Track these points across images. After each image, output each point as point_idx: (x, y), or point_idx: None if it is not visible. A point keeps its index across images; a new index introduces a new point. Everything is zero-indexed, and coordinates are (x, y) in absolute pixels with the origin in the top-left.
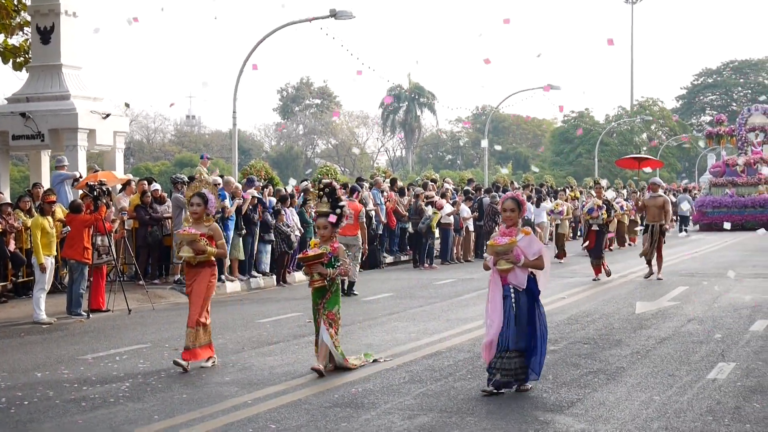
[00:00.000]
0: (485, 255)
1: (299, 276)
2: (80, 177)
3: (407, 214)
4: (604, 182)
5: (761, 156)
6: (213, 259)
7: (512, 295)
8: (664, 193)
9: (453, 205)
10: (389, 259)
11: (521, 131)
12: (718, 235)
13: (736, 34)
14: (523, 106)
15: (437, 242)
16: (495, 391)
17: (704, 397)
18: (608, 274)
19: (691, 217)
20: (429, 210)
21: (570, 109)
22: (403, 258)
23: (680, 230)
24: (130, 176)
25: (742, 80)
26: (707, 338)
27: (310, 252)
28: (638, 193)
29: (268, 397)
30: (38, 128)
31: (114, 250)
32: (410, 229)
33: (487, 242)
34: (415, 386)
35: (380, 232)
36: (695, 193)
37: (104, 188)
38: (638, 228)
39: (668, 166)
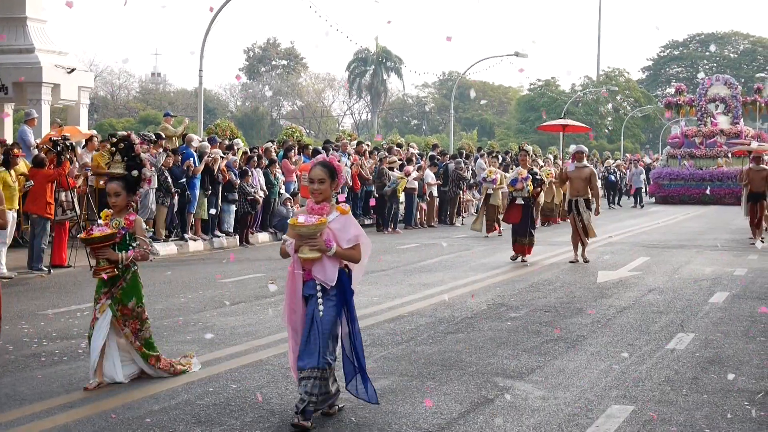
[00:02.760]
0: (284, 237)
1: (262, 237)
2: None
3: (371, 177)
4: (529, 148)
5: (720, 128)
6: None
7: (318, 293)
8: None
9: (418, 170)
10: None
11: (487, 98)
12: (679, 207)
13: (702, 7)
14: (490, 73)
15: (401, 207)
16: (304, 424)
17: (663, 367)
18: (524, 259)
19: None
20: (396, 174)
21: (536, 78)
22: (366, 222)
23: (635, 204)
24: (94, 132)
25: (707, 53)
26: (667, 308)
27: (96, 231)
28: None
29: (228, 357)
30: (2, 81)
31: (77, 206)
32: (375, 193)
33: (288, 220)
34: (377, 350)
35: (344, 195)
36: (653, 165)
37: (68, 143)
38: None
39: (632, 137)
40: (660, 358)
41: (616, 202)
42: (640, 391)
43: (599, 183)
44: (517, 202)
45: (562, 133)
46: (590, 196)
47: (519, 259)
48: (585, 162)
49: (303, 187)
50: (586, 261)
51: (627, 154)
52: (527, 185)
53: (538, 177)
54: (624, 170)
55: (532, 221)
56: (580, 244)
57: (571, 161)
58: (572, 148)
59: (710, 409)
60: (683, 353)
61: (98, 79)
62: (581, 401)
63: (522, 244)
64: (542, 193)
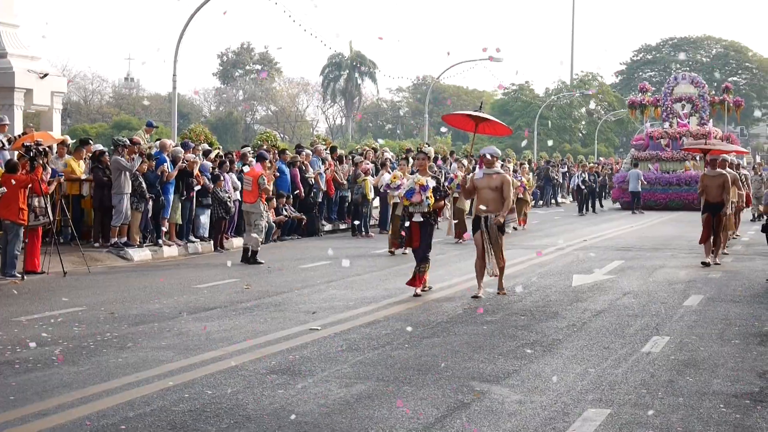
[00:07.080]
0: None
1: (237, 242)
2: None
3: (346, 182)
4: (430, 150)
5: (688, 129)
6: None
7: None
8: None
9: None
10: (328, 227)
11: (461, 102)
12: (647, 212)
13: (675, 11)
14: (463, 77)
15: (376, 212)
16: None
17: (638, 370)
18: (424, 287)
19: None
20: (370, 179)
21: (510, 82)
22: (341, 226)
23: (632, 210)
24: (67, 137)
25: (680, 57)
26: (642, 312)
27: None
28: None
29: (204, 362)
30: None
31: (50, 212)
32: (349, 198)
33: None
34: (353, 354)
35: (319, 200)
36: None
37: (41, 149)
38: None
39: (606, 140)
40: (635, 362)
41: (591, 208)
42: (616, 395)
43: (517, 190)
44: (414, 219)
45: (473, 132)
46: (502, 211)
47: (413, 292)
48: (497, 168)
49: (245, 192)
50: (501, 292)
51: (601, 158)
52: (426, 197)
53: (442, 187)
54: (604, 173)
55: (429, 242)
56: (487, 274)
57: (479, 167)
58: (483, 150)
59: (686, 412)
60: (658, 356)
61: (71, 84)
62: (557, 405)
63: (420, 273)
64: (466, 203)
